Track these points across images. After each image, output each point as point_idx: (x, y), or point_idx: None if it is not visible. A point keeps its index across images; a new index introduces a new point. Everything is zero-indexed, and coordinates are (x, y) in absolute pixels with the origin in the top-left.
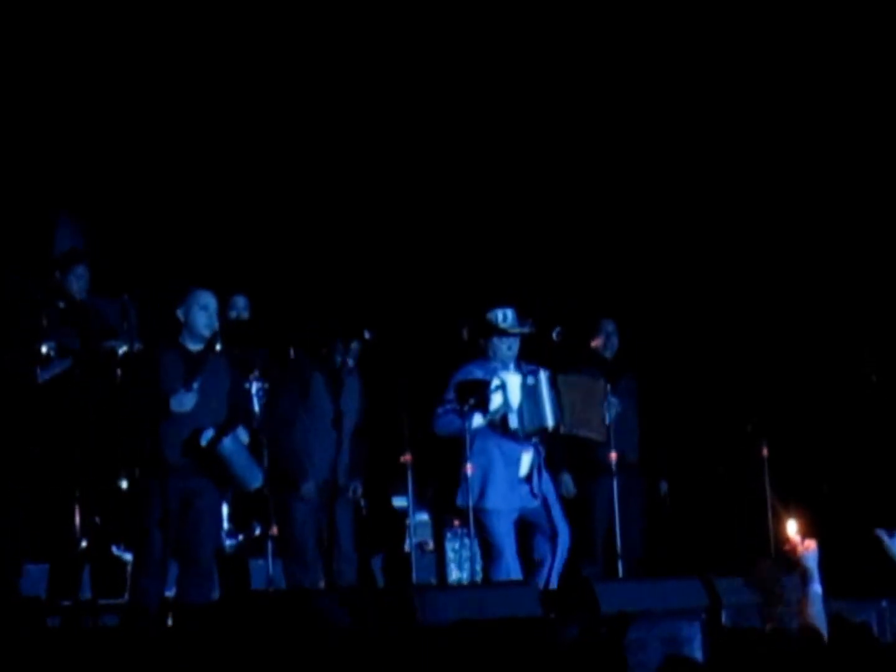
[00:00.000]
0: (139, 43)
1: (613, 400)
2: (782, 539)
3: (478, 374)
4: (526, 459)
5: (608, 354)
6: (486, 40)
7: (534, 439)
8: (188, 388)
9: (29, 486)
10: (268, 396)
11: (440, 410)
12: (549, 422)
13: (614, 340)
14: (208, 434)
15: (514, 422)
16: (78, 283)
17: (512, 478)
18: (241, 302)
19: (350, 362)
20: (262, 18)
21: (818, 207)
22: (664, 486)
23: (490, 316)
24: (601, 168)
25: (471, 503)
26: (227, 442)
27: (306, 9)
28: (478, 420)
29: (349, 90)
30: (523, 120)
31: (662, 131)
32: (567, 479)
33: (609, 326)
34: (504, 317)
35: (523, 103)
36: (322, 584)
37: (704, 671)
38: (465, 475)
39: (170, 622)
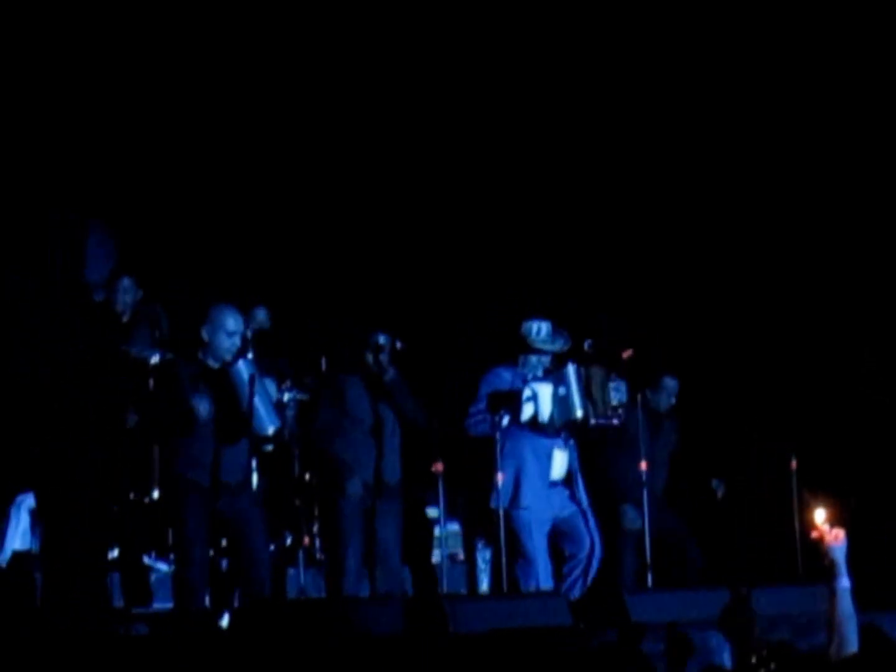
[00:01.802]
0: (161, 62)
1: (621, 386)
2: (809, 528)
3: (506, 377)
4: (559, 458)
5: (661, 406)
6: (496, 41)
7: (563, 434)
8: (201, 399)
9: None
10: (307, 407)
11: (472, 410)
12: (578, 413)
13: (673, 399)
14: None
15: (543, 416)
16: (124, 296)
17: (544, 475)
18: (261, 314)
19: (384, 358)
20: (289, 32)
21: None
22: (717, 484)
23: (525, 328)
24: (649, 190)
25: (504, 504)
26: (239, 364)
27: (325, 20)
28: (507, 419)
29: (373, 108)
30: (562, 136)
31: (702, 153)
32: (630, 510)
33: (671, 384)
34: (538, 330)
35: (553, 112)
36: (364, 594)
37: None
38: (497, 477)
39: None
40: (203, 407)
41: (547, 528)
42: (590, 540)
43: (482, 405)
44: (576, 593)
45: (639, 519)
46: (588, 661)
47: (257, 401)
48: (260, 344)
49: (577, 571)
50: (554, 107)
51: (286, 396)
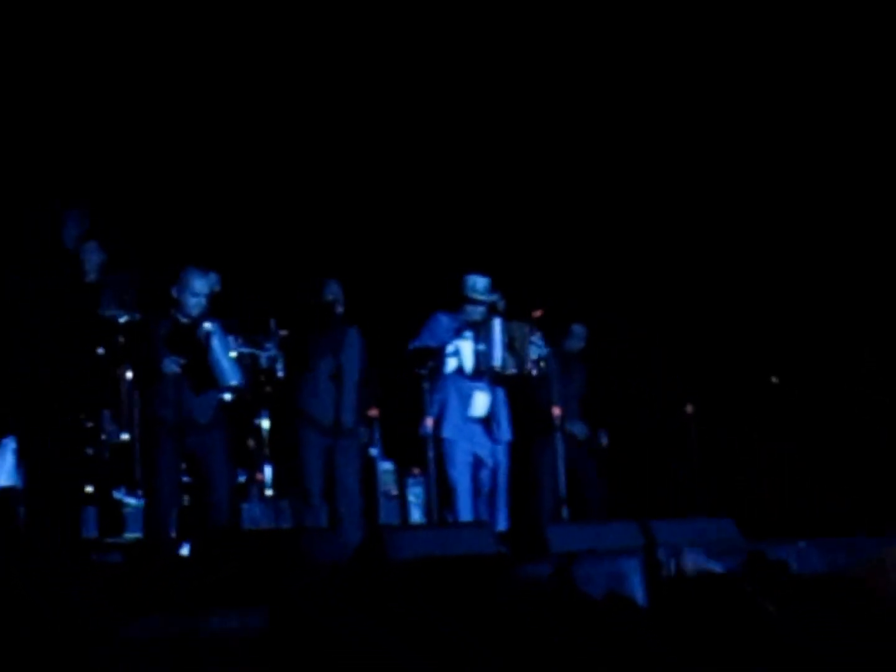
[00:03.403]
0: (155, 54)
1: (540, 341)
2: None
3: (444, 321)
4: (480, 398)
5: (573, 348)
6: (495, 33)
7: (485, 378)
8: (173, 360)
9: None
10: (255, 360)
11: (410, 346)
12: (497, 363)
13: (582, 343)
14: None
15: (467, 364)
16: (90, 256)
17: (465, 412)
18: (212, 277)
19: (339, 309)
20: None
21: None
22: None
23: (464, 281)
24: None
25: (430, 433)
26: (206, 325)
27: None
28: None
29: (357, 97)
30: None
31: (687, 137)
32: (580, 424)
33: (580, 330)
34: (475, 283)
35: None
36: (324, 523)
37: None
38: (425, 422)
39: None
40: (169, 366)
41: (469, 458)
42: (494, 471)
43: (418, 343)
44: (499, 522)
45: (583, 429)
46: (516, 586)
47: (222, 356)
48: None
49: (485, 489)
50: (550, 100)
51: (241, 350)
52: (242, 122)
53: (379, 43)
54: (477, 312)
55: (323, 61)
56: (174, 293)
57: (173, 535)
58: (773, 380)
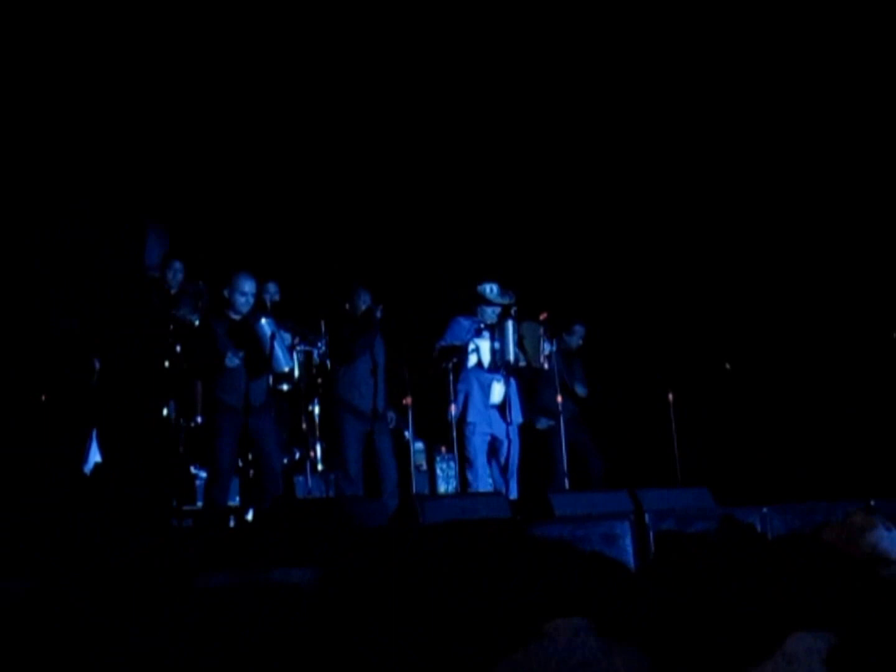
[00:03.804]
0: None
1: (547, 345)
2: None
3: (465, 323)
4: (497, 388)
5: (572, 345)
6: (487, 39)
7: (501, 371)
8: (235, 353)
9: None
10: (310, 355)
11: (436, 345)
12: (511, 357)
13: (581, 341)
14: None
15: (485, 359)
16: (176, 275)
17: (485, 400)
18: (272, 287)
19: (378, 314)
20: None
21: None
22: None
23: (480, 288)
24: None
25: (456, 418)
26: (262, 321)
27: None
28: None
29: (383, 105)
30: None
31: (695, 160)
32: (542, 418)
33: (580, 329)
34: (491, 289)
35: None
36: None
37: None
38: (451, 408)
39: (232, 523)
40: (232, 360)
41: (487, 438)
42: (508, 448)
43: (444, 342)
44: (511, 490)
45: (546, 422)
46: (525, 545)
47: (276, 346)
48: (273, 311)
49: (506, 473)
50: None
51: (297, 347)
52: (291, 160)
53: (412, 70)
54: (493, 315)
55: (362, 91)
56: (225, 294)
57: (238, 503)
58: (727, 366)
